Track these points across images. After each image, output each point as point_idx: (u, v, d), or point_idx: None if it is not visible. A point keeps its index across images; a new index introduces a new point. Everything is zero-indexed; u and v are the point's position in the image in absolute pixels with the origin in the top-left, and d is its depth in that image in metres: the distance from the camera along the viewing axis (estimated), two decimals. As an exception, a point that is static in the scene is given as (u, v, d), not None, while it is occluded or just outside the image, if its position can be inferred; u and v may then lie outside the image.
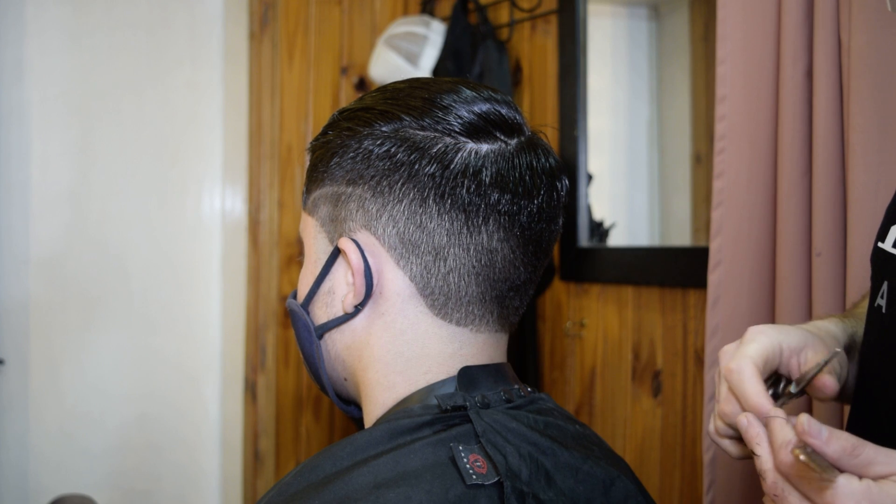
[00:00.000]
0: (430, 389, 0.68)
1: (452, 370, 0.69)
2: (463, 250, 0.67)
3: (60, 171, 2.24)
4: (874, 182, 1.06)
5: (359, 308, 0.69)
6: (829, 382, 0.61)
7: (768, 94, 1.27)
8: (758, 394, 0.59)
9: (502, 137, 0.68)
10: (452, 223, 0.66)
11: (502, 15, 2.08)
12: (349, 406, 0.78)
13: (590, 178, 1.86)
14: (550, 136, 1.88)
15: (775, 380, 0.66)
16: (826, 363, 0.61)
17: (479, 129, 0.67)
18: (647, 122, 2.01)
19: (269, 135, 2.37)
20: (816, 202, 1.17)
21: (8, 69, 2.17)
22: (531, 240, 0.69)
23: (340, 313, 0.71)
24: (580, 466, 0.66)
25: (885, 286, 0.66)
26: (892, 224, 0.69)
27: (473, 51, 2.02)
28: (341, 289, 0.71)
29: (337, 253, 0.70)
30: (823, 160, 1.15)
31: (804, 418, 0.51)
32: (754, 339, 0.64)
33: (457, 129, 0.66)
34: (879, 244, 0.69)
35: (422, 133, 0.67)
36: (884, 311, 0.67)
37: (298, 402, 2.38)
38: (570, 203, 1.83)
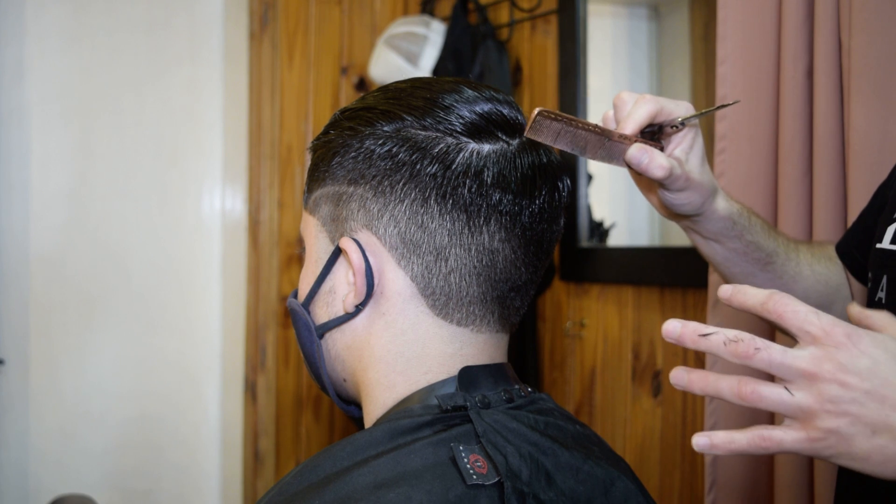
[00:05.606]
0: (430, 389, 0.68)
1: (453, 370, 0.69)
2: (464, 250, 0.67)
3: (60, 171, 2.24)
4: (874, 182, 1.06)
5: (360, 308, 0.69)
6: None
7: (768, 94, 1.27)
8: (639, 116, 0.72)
9: (504, 137, 0.68)
10: (454, 223, 0.66)
11: (502, 15, 2.08)
12: (349, 406, 0.78)
13: (590, 178, 1.86)
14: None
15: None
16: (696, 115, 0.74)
17: (480, 129, 0.67)
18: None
19: (269, 135, 2.37)
20: (816, 202, 1.17)
21: (8, 69, 2.17)
22: (532, 240, 0.69)
23: (341, 313, 0.71)
24: (581, 466, 0.66)
25: (884, 280, 0.71)
26: (888, 225, 0.73)
27: (473, 51, 2.02)
28: (342, 288, 0.71)
29: (338, 252, 0.70)
30: (823, 160, 1.15)
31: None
32: (647, 102, 0.74)
33: (458, 129, 0.66)
34: (878, 245, 0.74)
35: (423, 133, 0.67)
36: (883, 302, 0.71)
37: (298, 402, 2.38)
38: (570, 203, 1.83)
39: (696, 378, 0.57)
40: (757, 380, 0.55)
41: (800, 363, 0.54)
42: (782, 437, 0.54)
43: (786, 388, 0.54)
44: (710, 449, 0.56)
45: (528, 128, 0.66)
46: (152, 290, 2.32)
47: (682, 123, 0.75)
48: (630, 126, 0.71)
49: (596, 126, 0.69)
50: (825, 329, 0.54)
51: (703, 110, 0.75)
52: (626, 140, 0.71)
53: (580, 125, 0.67)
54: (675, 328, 0.57)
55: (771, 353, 0.54)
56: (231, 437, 2.38)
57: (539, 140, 0.67)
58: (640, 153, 0.69)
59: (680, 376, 0.58)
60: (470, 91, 0.68)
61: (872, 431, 0.52)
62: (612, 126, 0.77)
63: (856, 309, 0.60)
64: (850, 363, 0.52)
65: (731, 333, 0.56)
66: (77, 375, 2.25)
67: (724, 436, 0.56)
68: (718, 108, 0.78)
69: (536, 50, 2.00)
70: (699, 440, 0.56)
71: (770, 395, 0.54)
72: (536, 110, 0.64)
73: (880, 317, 0.58)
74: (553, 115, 0.65)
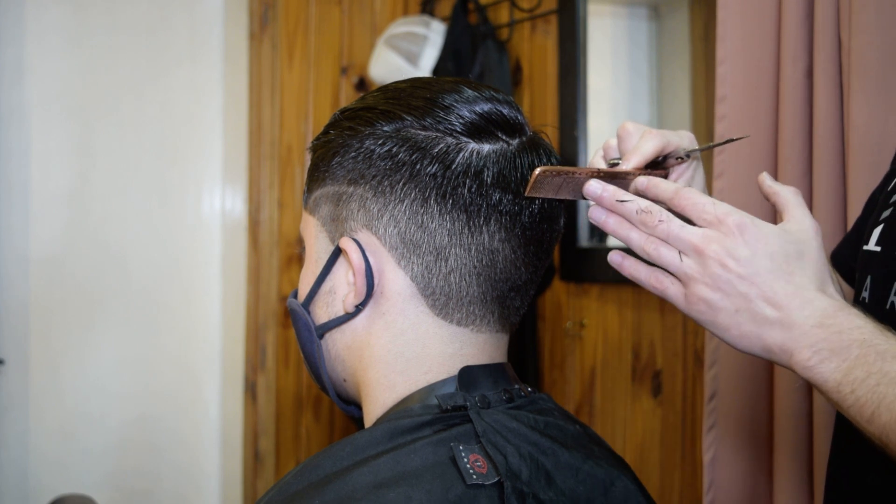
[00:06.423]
0: (430, 389, 0.68)
1: (453, 370, 0.69)
2: (464, 250, 0.67)
3: (60, 171, 2.24)
4: (874, 182, 1.06)
5: (359, 308, 0.69)
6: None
7: (768, 94, 1.27)
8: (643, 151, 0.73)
9: (504, 137, 0.68)
10: (454, 223, 0.66)
11: (502, 15, 2.08)
12: (349, 406, 0.78)
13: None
14: (550, 136, 1.88)
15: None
16: (701, 149, 0.77)
17: (480, 128, 0.67)
18: (647, 123, 2.00)
19: (269, 135, 2.37)
20: (816, 202, 1.17)
21: (8, 69, 2.17)
22: (532, 240, 0.69)
23: (341, 313, 0.71)
24: (580, 466, 0.66)
25: (868, 280, 0.73)
26: (875, 227, 0.76)
27: (473, 51, 2.02)
28: (342, 288, 0.71)
29: (338, 252, 0.70)
30: (823, 160, 1.15)
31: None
32: (654, 137, 0.76)
33: (458, 129, 0.66)
34: (864, 247, 0.77)
35: (423, 133, 0.67)
36: (867, 301, 0.74)
37: (298, 402, 2.38)
38: (570, 203, 1.83)
39: (614, 220, 0.66)
40: (661, 241, 0.64)
41: (692, 238, 0.62)
42: (669, 285, 0.64)
43: (680, 253, 0.63)
44: (619, 267, 0.68)
45: (528, 187, 0.66)
46: (152, 290, 2.32)
47: (688, 155, 0.75)
48: (636, 160, 0.72)
49: (598, 170, 0.69)
50: (719, 217, 0.62)
51: (711, 143, 0.76)
52: (630, 175, 0.71)
53: (582, 174, 0.68)
54: (597, 189, 0.67)
55: (671, 225, 0.63)
56: (231, 437, 2.38)
57: (540, 195, 0.68)
58: (646, 182, 0.70)
59: (598, 213, 0.66)
60: (470, 91, 0.68)
61: (735, 310, 0.61)
62: (613, 154, 0.77)
63: (767, 182, 0.68)
64: (733, 249, 0.61)
65: (644, 204, 0.65)
66: (77, 375, 2.25)
67: (633, 262, 0.67)
68: (726, 142, 0.79)
69: (536, 50, 2.00)
70: (614, 256, 0.68)
71: (666, 254, 0.64)
72: (537, 170, 0.65)
73: (785, 193, 0.66)
74: (554, 172, 0.66)
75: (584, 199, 0.69)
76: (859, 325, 0.59)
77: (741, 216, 0.62)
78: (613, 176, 0.70)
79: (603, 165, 0.78)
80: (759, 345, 0.62)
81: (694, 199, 0.64)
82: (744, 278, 0.61)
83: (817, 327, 0.59)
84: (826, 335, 0.59)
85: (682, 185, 0.65)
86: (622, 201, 0.65)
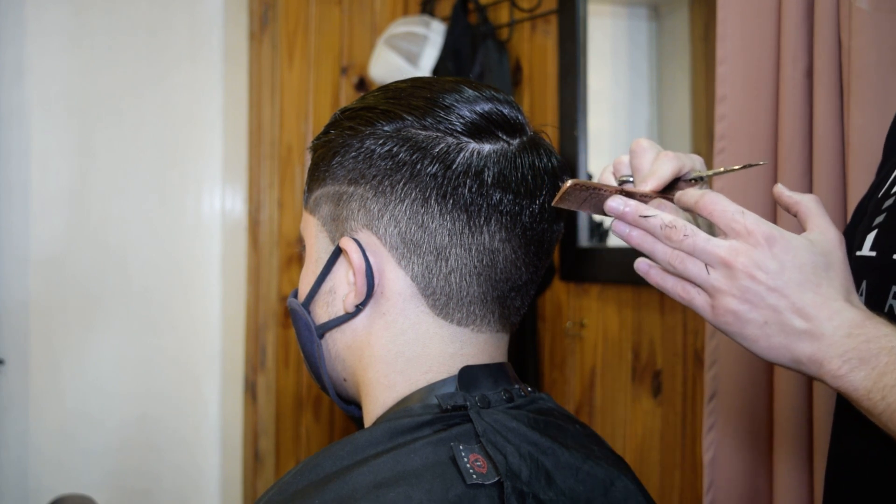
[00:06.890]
0: (430, 389, 0.68)
1: (453, 370, 0.69)
2: (465, 250, 0.67)
3: (60, 171, 2.24)
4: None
5: (360, 307, 0.69)
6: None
7: (768, 94, 1.27)
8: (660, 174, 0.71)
9: (504, 137, 0.68)
10: (454, 223, 0.66)
11: (502, 15, 2.08)
12: (349, 405, 0.78)
13: (590, 178, 1.86)
14: (550, 136, 1.88)
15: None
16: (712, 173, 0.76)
17: (481, 128, 0.67)
18: (647, 122, 2.01)
19: (269, 135, 2.37)
20: (816, 202, 1.17)
21: (8, 69, 2.17)
22: (533, 240, 0.69)
23: (341, 313, 0.71)
24: (580, 466, 0.66)
25: (864, 285, 0.74)
26: (868, 233, 0.76)
27: (473, 51, 2.02)
28: (342, 288, 0.71)
29: (338, 252, 0.71)
30: (823, 160, 1.16)
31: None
32: (670, 160, 0.74)
33: (459, 129, 0.66)
34: (857, 253, 0.77)
35: (424, 133, 0.67)
36: None
37: (298, 402, 2.38)
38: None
39: (637, 234, 0.66)
40: (687, 254, 0.64)
41: (719, 251, 0.62)
42: (696, 296, 0.64)
43: (706, 266, 0.63)
44: (646, 275, 0.67)
45: (557, 198, 0.66)
46: (152, 290, 2.32)
47: (701, 178, 0.75)
48: (653, 183, 0.71)
49: (622, 190, 0.70)
50: (748, 228, 0.62)
51: (726, 168, 0.76)
52: (646, 198, 0.71)
53: (606, 190, 0.68)
54: (619, 205, 0.66)
55: (696, 239, 0.63)
56: (231, 437, 2.38)
57: (564, 207, 0.68)
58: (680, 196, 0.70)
59: (621, 227, 0.66)
60: (470, 91, 0.68)
61: (764, 321, 0.61)
62: (624, 171, 0.77)
63: (786, 193, 0.67)
64: (762, 262, 0.61)
65: (668, 219, 0.64)
66: (77, 375, 2.25)
67: (659, 272, 0.66)
68: (743, 167, 0.78)
69: (536, 50, 2.00)
70: (640, 265, 0.67)
71: (692, 267, 0.63)
72: (568, 183, 0.65)
73: (807, 203, 0.66)
74: (582, 186, 0.66)
75: (606, 215, 0.68)
76: (887, 333, 0.60)
77: (770, 228, 0.62)
78: (631, 196, 0.70)
79: (613, 182, 0.77)
80: (788, 356, 0.62)
81: (722, 205, 0.63)
82: (773, 290, 0.61)
83: (846, 337, 0.60)
84: (855, 344, 0.60)
85: (706, 190, 0.65)
86: (645, 216, 0.65)
